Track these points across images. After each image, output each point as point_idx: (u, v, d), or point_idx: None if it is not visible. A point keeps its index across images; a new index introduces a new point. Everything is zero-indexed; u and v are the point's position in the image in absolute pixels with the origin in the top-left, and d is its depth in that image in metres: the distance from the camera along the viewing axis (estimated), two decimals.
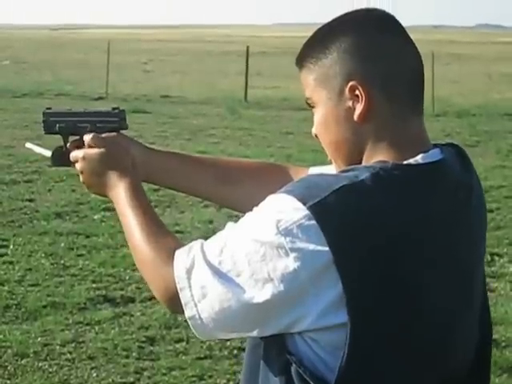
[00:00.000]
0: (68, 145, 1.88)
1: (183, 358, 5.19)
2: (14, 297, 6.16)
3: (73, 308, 5.97)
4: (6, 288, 6.34)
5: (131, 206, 1.67)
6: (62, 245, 7.54)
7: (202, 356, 5.21)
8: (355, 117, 1.51)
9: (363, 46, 1.51)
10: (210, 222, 8.37)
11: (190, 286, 1.49)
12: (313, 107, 1.59)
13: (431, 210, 1.48)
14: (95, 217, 8.66)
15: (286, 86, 24.84)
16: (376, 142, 1.52)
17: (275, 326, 1.46)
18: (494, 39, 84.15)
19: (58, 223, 8.35)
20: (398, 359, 1.45)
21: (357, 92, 1.50)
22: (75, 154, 1.83)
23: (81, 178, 1.82)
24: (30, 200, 9.33)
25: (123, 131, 1.86)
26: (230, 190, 1.86)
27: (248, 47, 23.84)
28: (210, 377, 4.95)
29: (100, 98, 21.94)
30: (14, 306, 5.98)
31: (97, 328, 5.63)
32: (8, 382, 4.85)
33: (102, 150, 1.78)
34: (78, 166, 1.81)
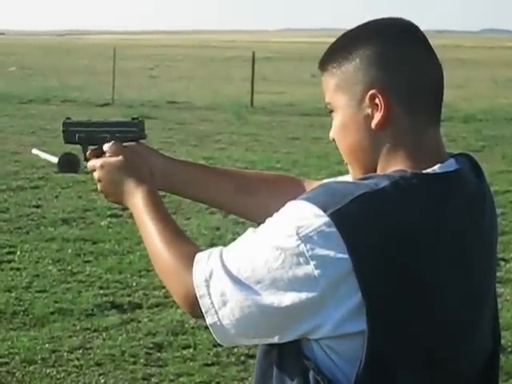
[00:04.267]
0: (87, 154, 1.90)
1: (191, 364, 5.20)
2: (21, 303, 6.18)
3: (80, 314, 5.98)
4: (13, 294, 6.36)
5: (149, 214, 1.69)
6: (69, 251, 7.56)
7: (210, 362, 5.21)
8: (373, 125, 1.53)
9: (386, 55, 1.52)
10: (217, 228, 8.38)
11: (209, 294, 1.50)
12: (332, 111, 1.61)
13: (448, 220, 1.49)
14: (102, 223, 8.68)
15: (292, 92, 24.91)
16: (392, 150, 1.54)
17: (295, 332, 1.46)
18: (500, 44, 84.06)
19: (64, 229, 8.37)
20: (413, 368, 1.47)
21: (376, 100, 1.52)
22: (93, 163, 1.85)
23: (99, 187, 1.84)
24: (37, 206, 9.36)
25: (142, 141, 1.88)
26: (248, 200, 1.88)
27: (254, 53, 23.87)
28: (218, 383, 4.96)
29: (106, 104, 21.98)
30: (22, 313, 6.00)
31: (104, 334, 5.64)
32: None
33: (121, 158, 1.80)
34: (96, 174, 1.84)
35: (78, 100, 22.66)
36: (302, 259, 1.42)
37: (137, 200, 1.73)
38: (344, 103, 1.56)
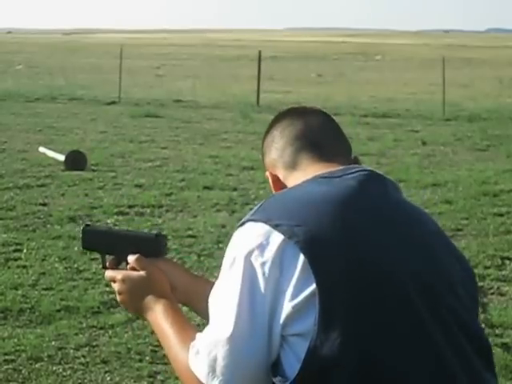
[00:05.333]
0: (107, 263, 1.91)
1: None
2: (27, 301, 6.20)
3: (86, 312, 6.00)
4: (19, 292, 6.38)
5: (168, 325, 1.75)
6: (76, 249, 7.57)
7: None
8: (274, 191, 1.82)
9: (267, 138, 1.89)
10: (223, 226, 8.39)
11: (202, 367, 1.61)
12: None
13: (361, 196, 1.66)
14: (108, 221, 8.70)
15: (298, 91, 24.91)
16: None
17: (276, 331, 1.56)
18: (505, 44, 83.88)
19: (71, 227, 8.39)
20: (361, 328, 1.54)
21: (270, 179, 1.84)
22: (113, 275, 1.87)
23: (118, 298, 1.87)
24: (44, 204, 9.38)
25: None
26: None
27: (260, 52, 23.87)
28: None
29: (113, 103, 22.02)
30: (28, 310, 6.02)
31: (110, 332, 5.66)
32: None
33: (143, 274, 1.83)
34: (117, 286, 1.86)
35: (85, 98, 22.70)
36: (244, 263, 1.58)
37: (156, 314, 1.79)
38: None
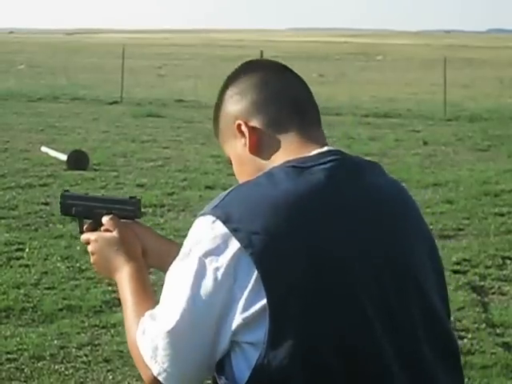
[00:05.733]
0: (84, 227, 1.94)
1: None
2: (30, 300, 6.22)
3: (88, 311, 6.02)
4: (22, 291, 6.40)
5: (130, 290, 1.77)
6: (78, 248, 7.59)
7: None
8: (249, 150, 1.70)
9: (236, 91, 1.74)
10: None
11: (146, 350, 1.61)
12: (231, 163, 1.77)
13: (326, 188, 1.60)
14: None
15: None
16: (275, 162, 1.67)
17: (224, 336, 1.55)
18: (506, 44, 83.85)
19: (73, 227, 8.38)
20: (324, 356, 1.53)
21: (243, 128, 1.70)
22: (87, 236, 1.90)
23: (91, 259, 1.90)
24: (46, 204, 9.40)
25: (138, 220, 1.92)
26: None
27: (262, 52, 23.89)
28: None
29: (115, 102, 22.04)
30: (31, 309, 6.04)
31: (112, 331, 5.67)
32: None
33: (114, 234, 1.86)
34: (90, 247, 1.89)
35: (87, 98, 22.71)
36: (198, 263, 1.56)
37: (123, 276, 1.81)
38: (230, 148, 1.75)
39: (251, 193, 1.59)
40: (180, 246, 1.92)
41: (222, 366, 1.58)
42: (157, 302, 1.69)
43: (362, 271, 1.57)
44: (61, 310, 6.04)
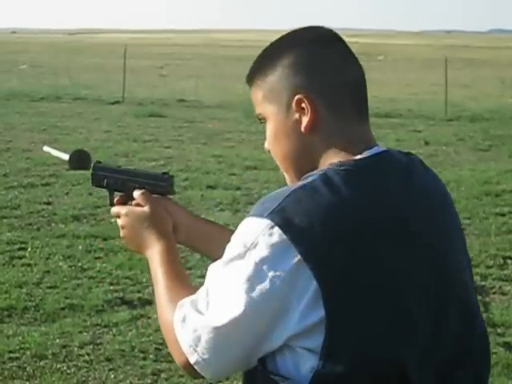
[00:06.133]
0: (115, 200, 1.92)
1: None
2: (32, 299, 6.24)
3: (90, 310, 6.04)
4: (24, 290, 6.42)
5: (162, 270, 1.73)
6: (80, 247, 7.62)
7: None
8: (302, 128, 1.60)
9: (306, 60, 1.61)
10: (226, 225, 8.39)
11: (185, 336, 1.57)
12: (263, 122, 1.68)
13: (381, 196, 1.56)
14: (112, 220, 8.70)
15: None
16: (324, 150, 1.61)
17: (270, 342, 1.53)
18: (507, 44, 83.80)
19: (75, 226, 8.42)
20: (373, 333, 1.51)
21: (303, 105, 1.60)
22: (118, 210, 1.88)
23: (121, 233, 1.87)
24: (48, 203, 9.42)
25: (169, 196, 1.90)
26: None
27: None
28: (227, 379, 4.99)
29: (116, 102, 22.05)
30: (33, 308, 6.05)
31: (114, 330, 5.69)
32: (27, 383, 4.91)
33: (146, 209, 1.83)
34: (120, 221, 1.87)
35: (89, 98, 22.73)
36: (254, 268, 1.50)
37: (155, 254, 1.78)
38: (273, 112, 1.63)
39: (310, 200, 1.51)
40: (217, 226, 1.92)
41: (275, 367, 1.55)
42: (190, 284, 1.69)
43: (414, 284, 1.55)
44: (63, 309, 6.05)
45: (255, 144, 14.91)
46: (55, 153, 12.36)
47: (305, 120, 1.59)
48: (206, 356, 1.55)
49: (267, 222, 1.50)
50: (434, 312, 1.58)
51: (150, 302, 6.25)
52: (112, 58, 39.65)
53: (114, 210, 1.89)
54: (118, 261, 7.22)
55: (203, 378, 1.60)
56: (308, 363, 1.51)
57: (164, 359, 5.24)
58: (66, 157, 11.74)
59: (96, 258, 7.31)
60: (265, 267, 1.49)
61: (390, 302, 1.52)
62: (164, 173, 1.89)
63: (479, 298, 6.51)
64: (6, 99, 21.68)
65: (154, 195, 1.86)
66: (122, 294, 6.37)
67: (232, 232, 1.81)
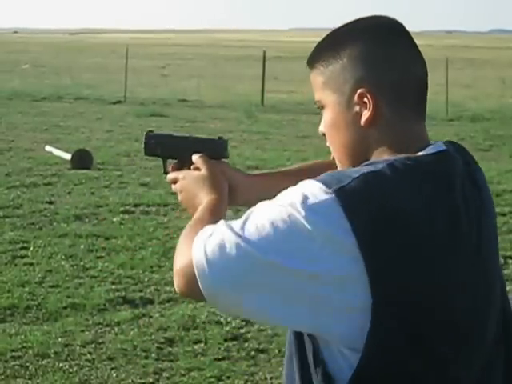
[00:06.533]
0: (169, 168, 1.92)
1: (201, 359, 5.25)
2: (34, 298, 6.25)
3: (92, 309, 6.05)
4: (26, 289, 6.43)
5: (204, 216, 1.69)
6: (82, 247, 7.63)
7: (220, 357, 5.27)
8: (362, 122, 1.58)
9: (373, 54, 1.58)
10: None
11: (204, 245, 1.50)
12: (322, 108, 1.66)
13: (443, 196, 1.54)
14: (114, 219, 8.75)
15: (302, 91, 24.90)
16: (380, 145, 1.59)
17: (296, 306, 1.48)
18: (508, 44, 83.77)
19: (77, 225, 8.44)
20: (419, 341, 1.50)
21: (365, 99, 1.57)
22: (175, 175, 1.87)
23: (179, 198, 1.86)
24: (50, 202, 9.43)
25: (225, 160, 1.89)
26: None
27: (265, 52, 23.91)
28: (228, 378, 5.01)
29: (118, 102, 22.07)
30: (35, 307, 6.07)
31: (116, 329, 5.70)
32: (29, 382, 4.91)
33: (204, 172, 1.83)
34: (178, 185, 1.85)
35: (91, 98, 22.75)
36: (304, 229, 1.45)
37: (204, 203, 1.76)
38: (333, 101, 1.61)
39: (380, 189, 1.47)
40: (276, 175, 1.90)
41: (319, 358, 1.52)
42: None
43: (463, 293, 1.54)
44: (65, 308, 6.06)
45: (257, 144, 14.94)
46: (57, 152, 12.38)
47: (365, 114, 1.57)
48: (214, 263, 1.48)
49: (331, 196, 1.46)
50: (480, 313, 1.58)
51: (151, 301, 6.27)
52: (114, 58, 39.67)
53: (170, 176, 1.88)
54: (120, 260, 7.23)
55: (199, 298, 1.52)
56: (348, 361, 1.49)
57: (166, 358, 5.26)
58: (67, 156, 11.76)
59: (98, 258, 7.32)
60: (315, 235, 1.44)
61: (440, 314, 1.51)
62: (219, 137, 1.90)
63: None
64: (8, 99, 21.71)
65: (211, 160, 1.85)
66: (123, 294, 6.39)
67: (287, 175, 1.86)
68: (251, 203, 1.75)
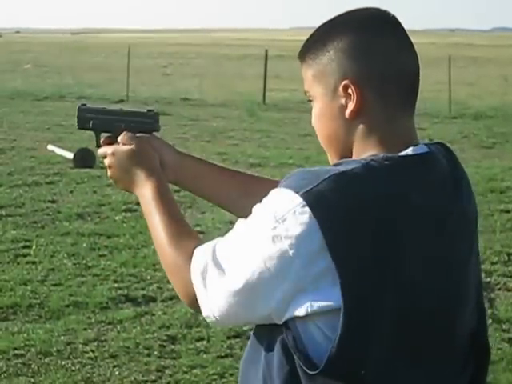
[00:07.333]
0: (101, 141, 1.92)
1: (204, 356, 5.24)
2: (37, 296, 6.25)
3: (95, 307, 6.05)
4: (29, 288, 6.43)
5: (156, 206, 1.73)
6: (84, 245, 7.63)
7: (223, 354, 5.26)
8: (346, 114, 1.58)
9: (359, 45, 1.57)
10: (231, 222, 8.40)
11: (205, 287, 1.57)
12: (311, 100, 1.67)
13: (420, 199, 1.53)
14: (116, 218, 8.74)
15: (304, 89, 24.92)
16: (366, 137, 1.59)
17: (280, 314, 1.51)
18: (510, 42, 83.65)
19: (79, 224, 8.44)
20: (386, 345, 1.50)
21: (349, 91, 1.57)
22: (105, 150, 1.88)
23: (108, 173, 1.88)
24: (53, 201, 9.44)
25: (156, 133, 1.91)
26: (249, 202, 1.82)
27: (267, 50, 23.91)
28: (231, 375, 5.00)
29: (121, 101, 22.06)
30: (38, 306, 6.07)
31: (119, 327, 5.70)
32: (32, 380, 4.92)
33: (132, 147, 1.83)
34: (107, 160, 1.87)
35: (93, 97, 22.73)
36: (277, 240, 1.48)
37: (145, 190, 1.77)
38: (320, 93, 1.62)
39: (349, 189, 1.48)
40: (205, 164, 1.90)
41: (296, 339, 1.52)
42: (184, 220, 1.71)
43: (434, 299, 1.56)
44: (67, 306, 6.06)
45: (259, 142, 14.94)
46: (59, 151, 12.38)
47: (350, 106, 1.57)
48: (217, 314, 1.57)
49: (299, 200, 1.48)
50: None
51: (154, 299, 6.26)
52: (116, 58, 39.64)
53: (101, 150, 1.89)
54: (122, 258, 7.22)
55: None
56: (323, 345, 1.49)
57: (168, 356, 5.25)
58: (70, 155, 11.76)
59: (100, 256, 7.32)
60: (288, 244, 1.47)
61: (409, 305, 1.51)
62: (149, 110, 1.91)
63: (484, 294, 6.50)
64: (10, 98, 21.72)
65: (140, 133, 1.86)
66: (126, 292, 6.38)
67: (221, 170, 1.87)
68: (183, 185, 1.84)
